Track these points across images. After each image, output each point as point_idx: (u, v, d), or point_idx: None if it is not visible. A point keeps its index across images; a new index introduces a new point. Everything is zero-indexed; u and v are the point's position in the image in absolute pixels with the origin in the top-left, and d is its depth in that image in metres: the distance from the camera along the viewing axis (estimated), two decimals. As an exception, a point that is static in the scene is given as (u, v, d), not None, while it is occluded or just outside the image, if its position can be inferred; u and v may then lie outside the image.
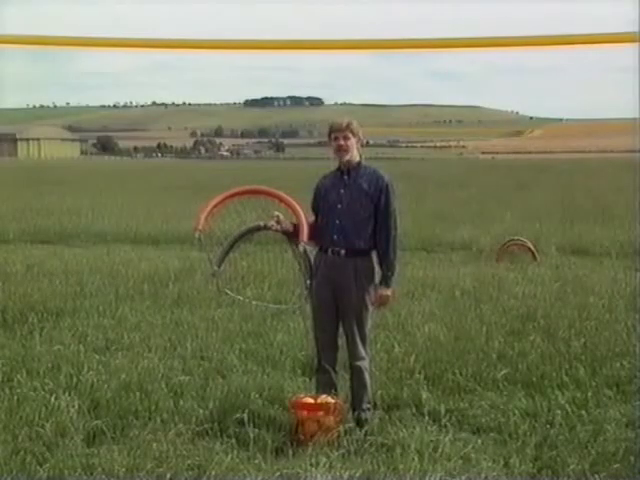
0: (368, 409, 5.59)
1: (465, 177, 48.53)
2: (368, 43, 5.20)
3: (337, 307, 5.55)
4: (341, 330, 5.61)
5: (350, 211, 5.49)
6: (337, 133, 5.54)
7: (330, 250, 5.52)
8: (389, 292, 5.50)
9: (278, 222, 5.56)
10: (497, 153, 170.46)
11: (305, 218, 5.47)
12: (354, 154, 5.56)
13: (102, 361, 6.78)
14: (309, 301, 5.69)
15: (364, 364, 5.58)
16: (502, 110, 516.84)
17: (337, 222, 5.51)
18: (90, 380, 6.12)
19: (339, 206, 5.52)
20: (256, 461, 4.82)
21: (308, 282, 5.63)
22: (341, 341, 5.64)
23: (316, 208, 5.69)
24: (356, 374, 5.58)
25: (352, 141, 5.54)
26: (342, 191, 5.54)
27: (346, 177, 5.57)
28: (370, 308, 5.54)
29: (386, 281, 5.49)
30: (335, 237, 5.50)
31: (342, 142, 5.52)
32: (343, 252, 5.48)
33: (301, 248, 5.44)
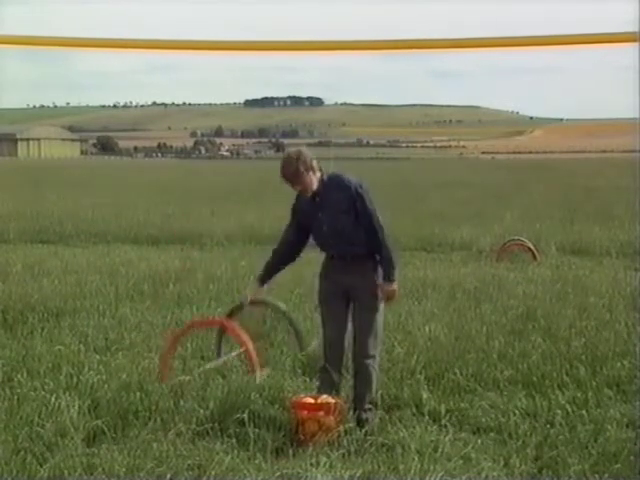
0: (369, 409, 5.60)
1: (465, 177, 48.54)
2: (368, 44, 5.19)
3: (347, 307, 5.64)
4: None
5: (335, 228, 5.52)
6: (289, 182, 5.53)
7: (336, 257, 5.61)
8: (394, 286, 5.56)
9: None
10: (497, 153, 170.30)
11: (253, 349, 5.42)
12: (314, 185, 5.51)
13: (102, 361, 6.77)
14: (318, 301, 5.79)
15: (372, 363, 5.60)
16: (502, 110, 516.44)
17: (330, 241, 5.59)
18: (90, 380, 6.11)
19: (324, 228, 5.56)
20: (256, 461, 4.81)
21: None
22: (347, 343, 5.70)
23: (296, 221, 5.78)
24: (362, 371, 5.59)
25: (306, 179, 5.48)
26: (319, 214, 5.57)
27: (317, 199, 5.58)
28: (382, 307, 5.60)
29: (388, 277, 5.54)
30: (335, 252, 5.60)
31: (298, 187, 5.54)
32: (349, 257, 5.56)
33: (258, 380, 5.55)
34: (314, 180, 5.50)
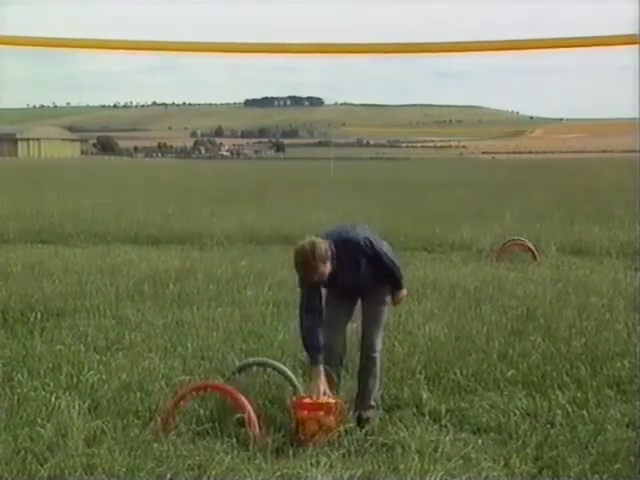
0: (371, 407, 5.62)
1: (465, 177, 48.53)
2: (368, 47, 5.17)
3: (351, 308, 5.80)
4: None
5: (354, 279, 5.65)
6: (306, 277, 5.46)
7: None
8: (404, 292, 5.91)
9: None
10: (497, 153, 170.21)
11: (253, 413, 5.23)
12: (327, 271, 5.48)
13: (103, 361, 6.78)
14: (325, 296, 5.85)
15: (377, 356, 5.72)
16: (502, 110, 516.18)
17: (349, 284, 5.69)
18: (91, 380, 6.12)
19: (343, 288, 5.69)
20: (256, 461, 4.81)
21: None
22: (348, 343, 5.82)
23: (310, 288, 5.66)
24: (368, 365, 5.68)
25: (321, 270, 5.43)
26: (338, 277, 5.57)
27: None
28: (389, 303, 5.84)
29: (399, 287, 5.85)
30: (353, 291, 5.76)
31: (316, 279, 5.47)
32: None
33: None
34: (329, 266, 5.48)
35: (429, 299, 9.40)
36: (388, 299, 5.82)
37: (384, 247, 5.69)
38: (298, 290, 5.74)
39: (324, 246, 5.42)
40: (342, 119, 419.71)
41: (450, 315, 8.44)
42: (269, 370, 6.08)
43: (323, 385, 5.43)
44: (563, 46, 4.62)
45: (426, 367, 6.59)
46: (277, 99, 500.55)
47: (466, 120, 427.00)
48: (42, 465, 4.71)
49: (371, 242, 5.63)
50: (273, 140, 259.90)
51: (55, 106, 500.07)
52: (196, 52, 5.05)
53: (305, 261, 5.39)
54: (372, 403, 5.65)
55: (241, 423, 5.21)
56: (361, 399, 5.66)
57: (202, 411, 5.50)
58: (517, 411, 5.70)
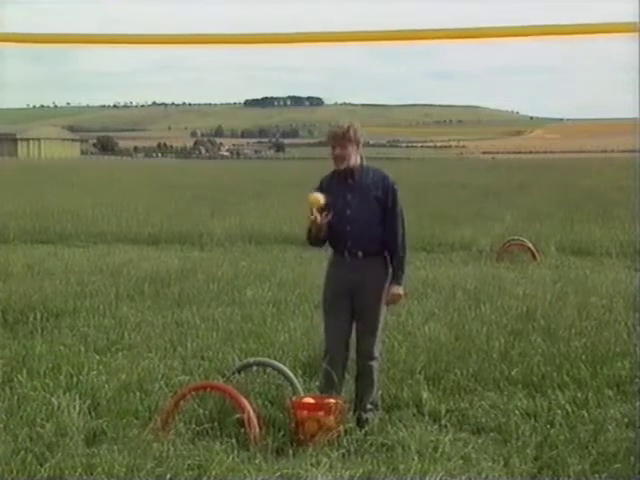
0: (370, 410, 5.61)
1: (465, 177, 48.49)
2: (357, 35, 5.09)
3: (352, 307, 5.57)
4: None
5: (360, 216, 5.48)
6: (334, 142, 5.49)
7: (347, 252, 5.53)
8: (401, 291, 5.58)
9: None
10: (497, 153, 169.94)
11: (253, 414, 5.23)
12: (352, 160, 5.49)
13: (102, 361, 6.78)
14: (323, 300, 5.73)
15: (375, 364, 5.63)
16: (502, 110, 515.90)
17: (348, 229, 5.50)
18: (90, 380, 6.12)
19: (348, 212, 5.49)
20: (256, 461, 4.81)
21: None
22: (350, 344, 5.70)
23: None
24: (365, 373, 5.62)
25: (349, 149, 5.46)
26: (349, 196, 5.51)
27: (350, 180, 5.54)
28: (385, 308, 5.61)
29: (397, 280, 5.56)
30: (349, 243, 5.52)
31: (338, 151, 5.48)
32: (360, 254, 5.51)
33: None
34: (353, 156, 5.49)
35: (429, 299, 9.40)
36: (384, 303, 5.57)
37: (404, 215, 5.56)
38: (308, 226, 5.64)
39: (361, 131, 5.53)
40: (342, 119, 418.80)
41: (450, 315, 8.44)
42: (269, 370, 6.08)
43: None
44: (563, 33, 4.56)
45: (426, 367, 6.58)
46: (277, 99, 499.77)
47: (466, 120, 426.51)
48: (42, 465, 4.71)
49: (396, 191, 5.55)
50: (273, 140, 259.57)
51: (55, 106, 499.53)
52: (190, 44, 5.00)
53: (340, 127, 5.47)
54: (369, 407, 5.63)
55: (241, 423, 5.21)
56: (358, 402, 5.63)
57: (202, 411, 5.50)
58: (517, 411, 5.70)
